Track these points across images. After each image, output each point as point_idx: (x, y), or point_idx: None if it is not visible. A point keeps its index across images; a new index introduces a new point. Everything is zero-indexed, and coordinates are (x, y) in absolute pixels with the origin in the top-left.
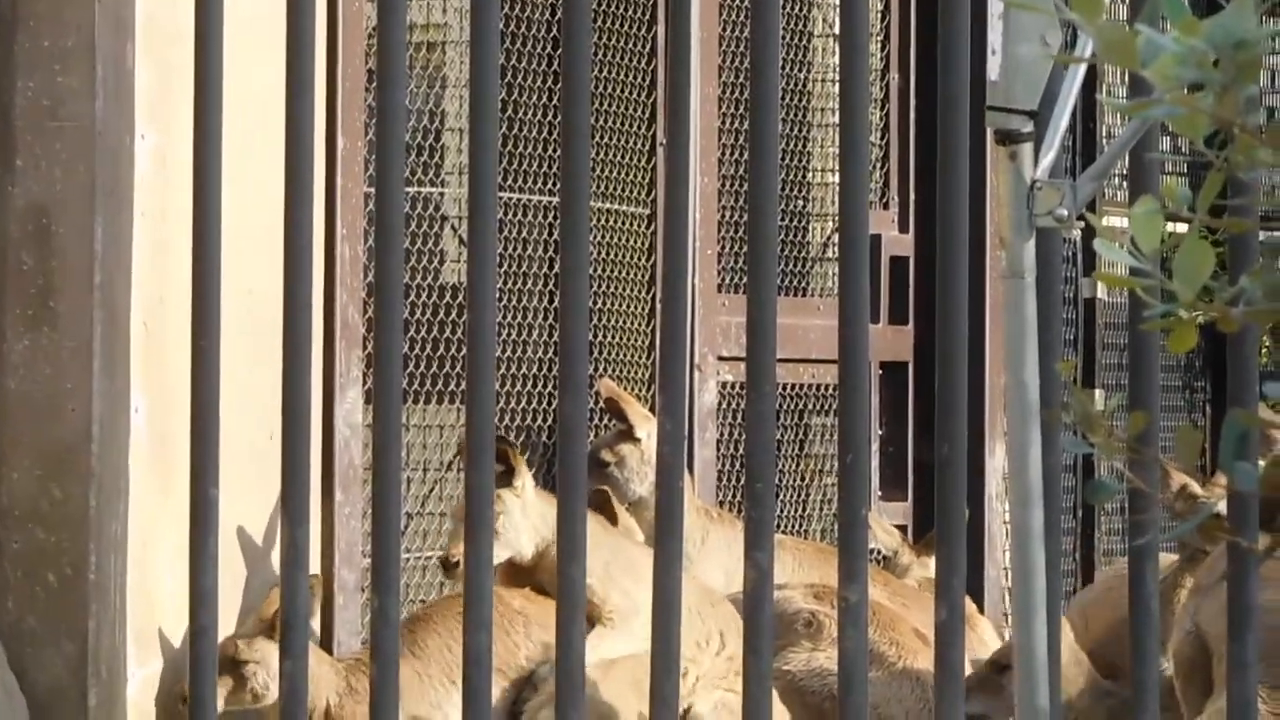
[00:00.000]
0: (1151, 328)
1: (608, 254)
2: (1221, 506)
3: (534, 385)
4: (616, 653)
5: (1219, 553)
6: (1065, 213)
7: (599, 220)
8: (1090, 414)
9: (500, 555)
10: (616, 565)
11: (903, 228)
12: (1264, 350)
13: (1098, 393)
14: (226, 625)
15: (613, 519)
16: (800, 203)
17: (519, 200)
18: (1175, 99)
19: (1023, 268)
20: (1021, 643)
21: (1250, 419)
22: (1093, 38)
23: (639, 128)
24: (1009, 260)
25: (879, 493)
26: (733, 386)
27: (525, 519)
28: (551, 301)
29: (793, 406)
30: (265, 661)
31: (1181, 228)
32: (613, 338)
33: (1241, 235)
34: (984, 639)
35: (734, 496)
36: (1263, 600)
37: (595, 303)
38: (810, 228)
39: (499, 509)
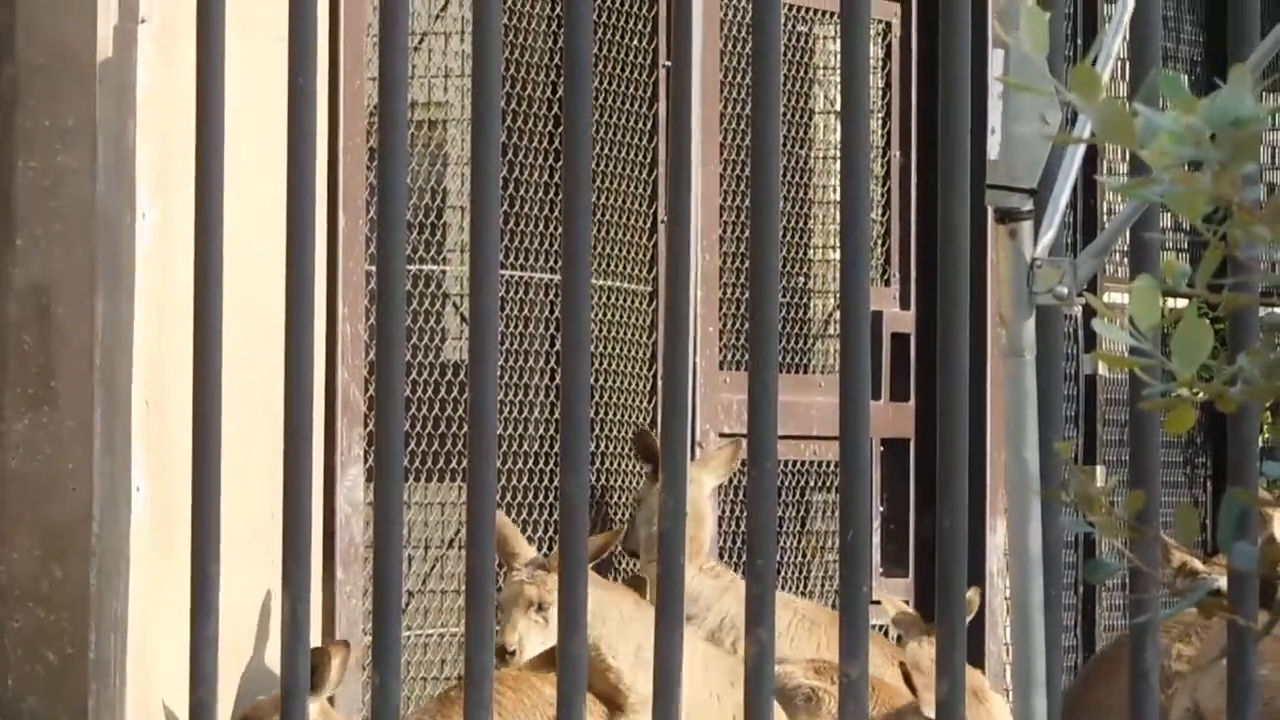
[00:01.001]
0: (1150, 408)
1: (609, 331)
2: (1221, 583)
3: (536, 463)
4: None
5: (1217, 630)
6: (1065, 290)
7: (600, 298)
8: (1089, 494)
9: (547, 642)
10: (648, 650)
11: (904, 304)
12: (1264, 426)
13: (1099, 469)
14: (226, 703)
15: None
16: (802, 279)
17: (521, 278)
18: (1173, 177)
19: (1023, 346)
20: (1021, 716)
21: (1248, 498)
22: (1091, 117)
23: (640, 205)
24: (1009, 338)
25: (880, 569)
26: None
27: None
28: (553, 379)
29: (794, 483)
30: None
31: (1184, 302)
32: (614, 415)
33: (1242, 313)
34: (993, 714)
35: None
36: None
37: (597, 380)
38: (812, 304)
39: (549, 599)
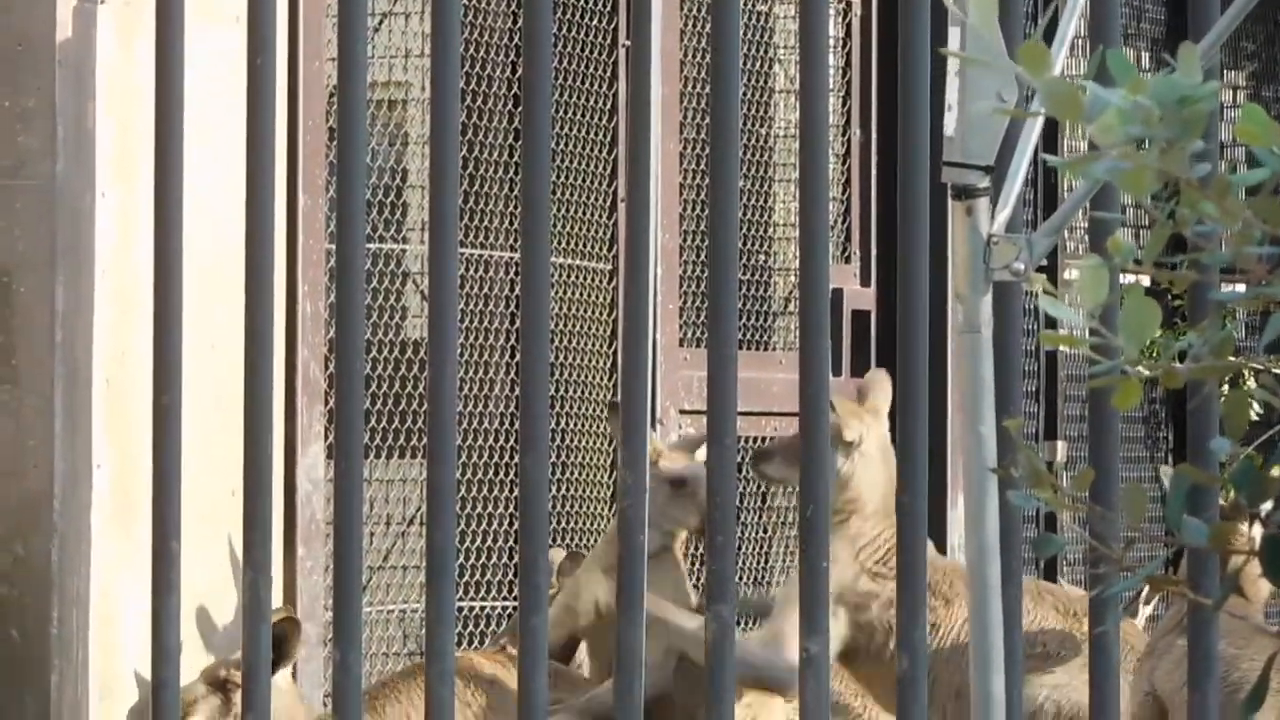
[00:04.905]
0: (1098, 384)
1: (569, 309)
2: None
3: (496, 440)
4: None
5: (1172, 613)
6: (1021, 266)
7: (560, 276)
8: (1038, 471)
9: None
10: None
11: (865, 281)
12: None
13: (1060, 444)
14: (189, 679)
15: None
16: (762, 257)
17: (480, 256)
18: (1121, 154)
19: (979, 322)
20: (980, 695)
21: (1196, 474)
22: (1039, 92)
23: (600, 184)
24: (965, 315)
25: None
26: None
27: None
28: (513, 357)
29: None
30: None
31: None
32: (575, 392)
33: (1200, 289)
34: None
35: (695, 549)
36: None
37: (557, 358)
38: (772, 281)
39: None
